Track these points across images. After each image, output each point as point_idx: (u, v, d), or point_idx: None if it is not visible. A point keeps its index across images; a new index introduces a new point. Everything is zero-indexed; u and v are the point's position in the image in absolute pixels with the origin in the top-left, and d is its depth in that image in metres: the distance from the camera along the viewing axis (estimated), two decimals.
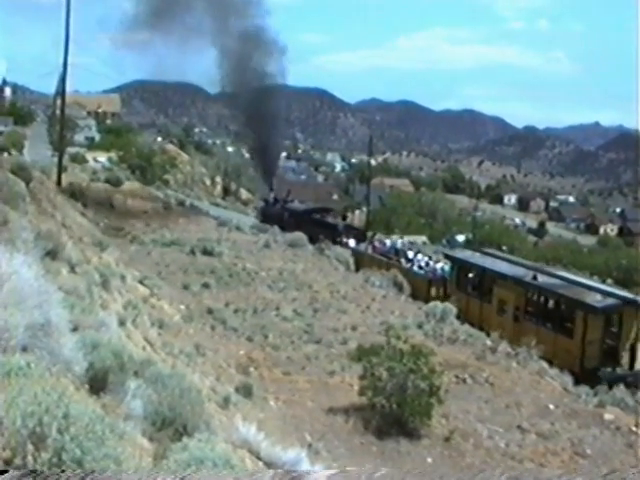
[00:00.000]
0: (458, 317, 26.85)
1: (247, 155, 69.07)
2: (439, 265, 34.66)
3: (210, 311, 22.20)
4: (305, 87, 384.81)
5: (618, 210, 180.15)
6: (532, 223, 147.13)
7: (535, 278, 28.27)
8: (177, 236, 33.50)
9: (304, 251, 35.11)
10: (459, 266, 32.36)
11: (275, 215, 46.87)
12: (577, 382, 21.75)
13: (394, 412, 15.39)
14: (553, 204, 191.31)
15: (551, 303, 27.65)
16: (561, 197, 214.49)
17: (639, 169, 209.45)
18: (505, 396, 18.60)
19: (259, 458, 8.01)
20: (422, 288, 32.54)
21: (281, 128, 69.99)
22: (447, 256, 35.12)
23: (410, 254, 36.75)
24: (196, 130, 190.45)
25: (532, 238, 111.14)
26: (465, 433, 15.73)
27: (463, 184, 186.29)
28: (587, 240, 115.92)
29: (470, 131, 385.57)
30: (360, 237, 40.82)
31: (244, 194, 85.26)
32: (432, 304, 26.37)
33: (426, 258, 36.34)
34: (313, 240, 37.94)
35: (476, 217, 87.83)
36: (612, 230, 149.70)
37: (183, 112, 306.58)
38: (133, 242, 31.25)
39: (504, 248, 71.09)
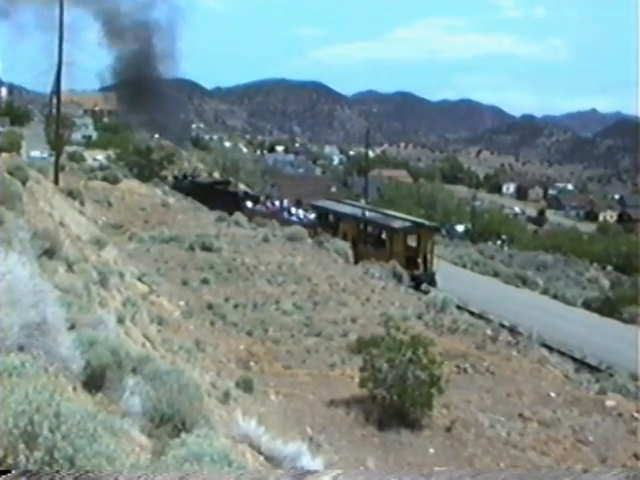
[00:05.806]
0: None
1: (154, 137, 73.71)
2: (312, 216, 45.25)
3: (210, 306, 22.19)
4: (302, 80, 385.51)
5: (617, 197, 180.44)
6: (531, 211, 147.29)
7: (364, 214, 39.75)
8: (176, 232, 33.43)
9: (303, 244, 35.07)
10: (320, 212, 43.82)
11: (184, 189, 53.47)
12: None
13: (395, 403, 15.41)
14: (552, 192, 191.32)
15: (372, 230, 39.06)
16: (560, 185, 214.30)
17: (639, 155, 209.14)
18: (506, 385, 18.62)
19: (260, 452, 8.00)
20: None
21: (180, 114, 77.54)
22: (313, 206, 46.80)
23: (293, 210, 48.87)
24: (193, 126, 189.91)
25: (532, 226, 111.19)
26: (466, 423, 15.75)
27: (461, 174, 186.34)
28: (587, 227, 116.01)
29: (468, 121, 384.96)
30: (256, 201, 51.89)
31: (242, 188, 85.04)
32: (432, 294, 26.41)
33: (303, 212, 48.10)
34: (219, 206, 44.54)
35: (475, 207, 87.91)
36: (611, 217, 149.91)
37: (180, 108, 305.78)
38: (132, 239, 31.20)
39: (503, 237, 71.02)
